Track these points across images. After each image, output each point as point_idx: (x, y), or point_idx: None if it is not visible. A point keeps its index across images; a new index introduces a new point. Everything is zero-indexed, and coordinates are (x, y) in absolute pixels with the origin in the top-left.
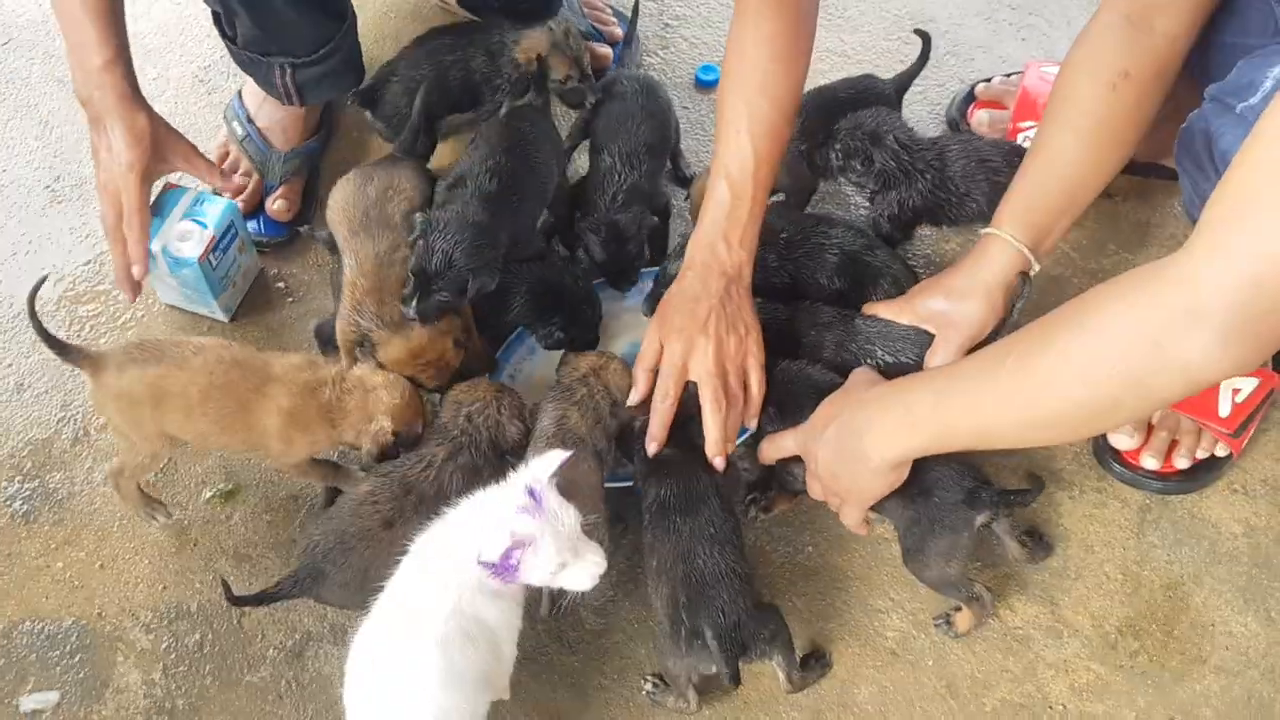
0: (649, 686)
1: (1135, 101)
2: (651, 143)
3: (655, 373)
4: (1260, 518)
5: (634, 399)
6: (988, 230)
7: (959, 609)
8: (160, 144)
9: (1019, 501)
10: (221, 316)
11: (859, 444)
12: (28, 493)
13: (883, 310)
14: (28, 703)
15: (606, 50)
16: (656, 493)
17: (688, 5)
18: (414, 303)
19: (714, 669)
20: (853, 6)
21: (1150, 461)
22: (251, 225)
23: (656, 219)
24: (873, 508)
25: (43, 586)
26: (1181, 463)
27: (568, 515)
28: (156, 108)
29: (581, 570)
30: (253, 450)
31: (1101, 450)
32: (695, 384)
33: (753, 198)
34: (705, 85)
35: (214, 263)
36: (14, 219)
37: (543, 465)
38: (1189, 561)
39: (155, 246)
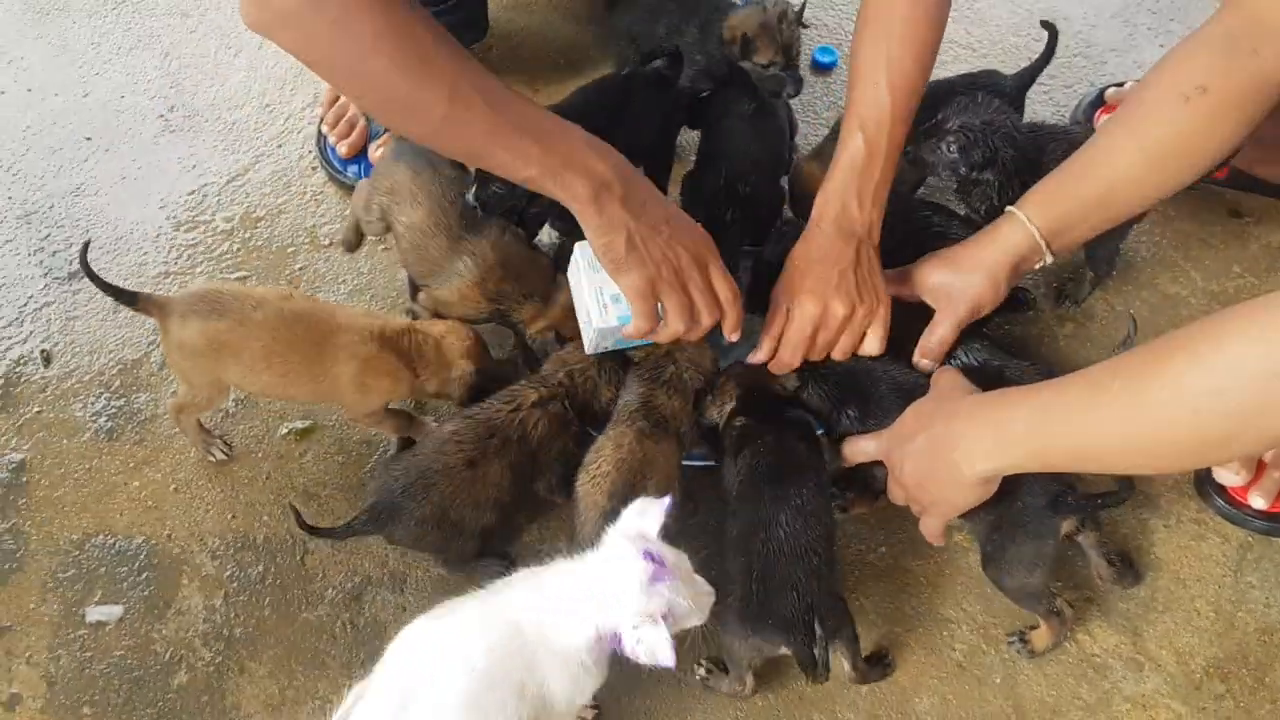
0: (702, 671)
1: (1208, 120)
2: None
3: (778, 337)
4: None
5: (758, 359)
6: (1010, 208)
7: (1035, 627)
8: None
9: (1107, 504)
10: None
11: (950, 456)
12: (114, 410)
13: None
14: (94, 614)
15: None
16: (749, 461)
17: None
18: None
19: (779, 651)
20: (983, 0)
21: (1259, 501)
22: (353, 170)
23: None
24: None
25: (118, 503)
26: None
27: (683, 563)
28: (269, 64)
29: (699, 608)
30: (321, 400)
31: (1204, 482)
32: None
33: (886, 154)
34: (822, 67)
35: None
36: (126, 144)
37: (648, 521)
38: None
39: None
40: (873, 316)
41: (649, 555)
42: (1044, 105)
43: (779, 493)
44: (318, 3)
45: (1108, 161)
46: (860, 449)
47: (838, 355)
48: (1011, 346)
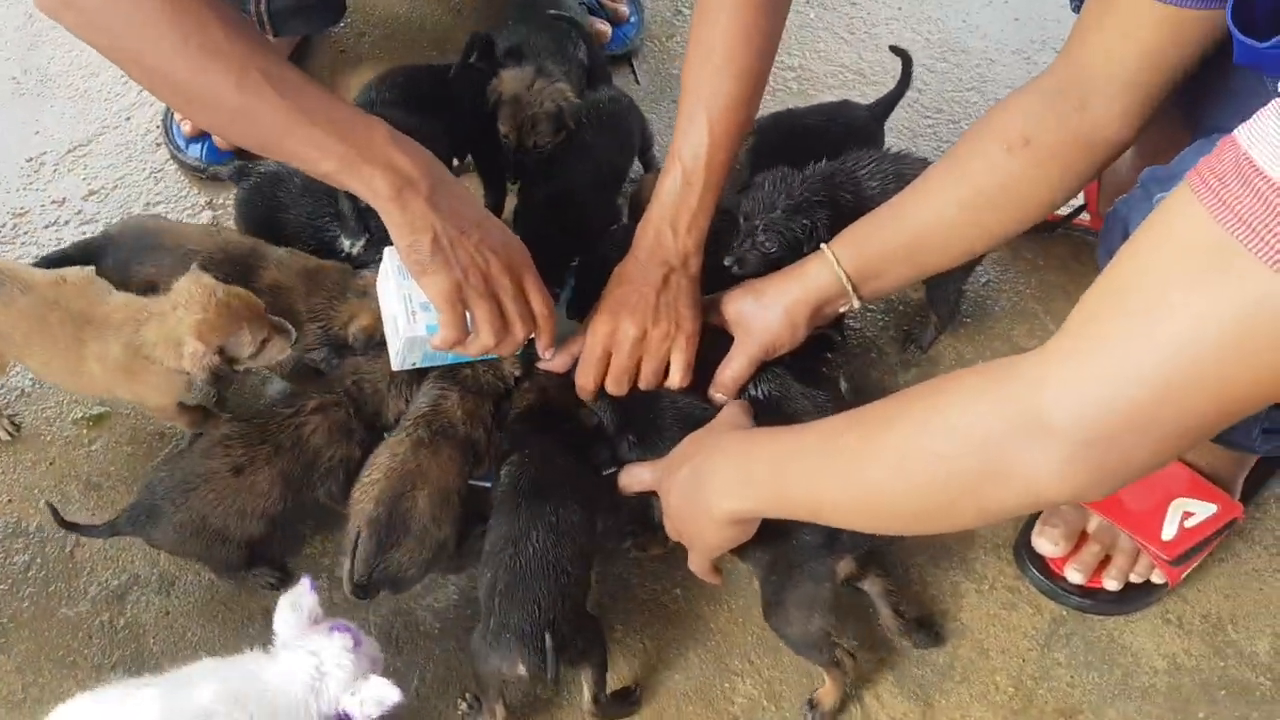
0: (464, 706)
1: (1029, 172)
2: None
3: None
4: (1190, 657)
5: (551, 367)
6: (823, 245)
7: (822, 685)
8: None
9: (880, 543)
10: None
11: (702, 492)
12: None
13: None
14: None
15: (606, 28)
16: (510, 473)
17: None
18: None
19: (519, 670)
20: (882, 25)
21: (1075, 575)
22: (194, 150)
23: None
24: (732, 551)
25: None
26: (1111, 584)
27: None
28: None
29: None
30: (96, 395)
31: (1021, 549)
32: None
33: (705, 184)
34: None
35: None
36: None
37: (306, 605)
38: (1094, 689)
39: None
40: (669, 341)
41: (340, 628)
42: (928, 140)
43: (536, 508)
44: None
45: (923, 208)
46: (636, 477)
47: (641, 384)
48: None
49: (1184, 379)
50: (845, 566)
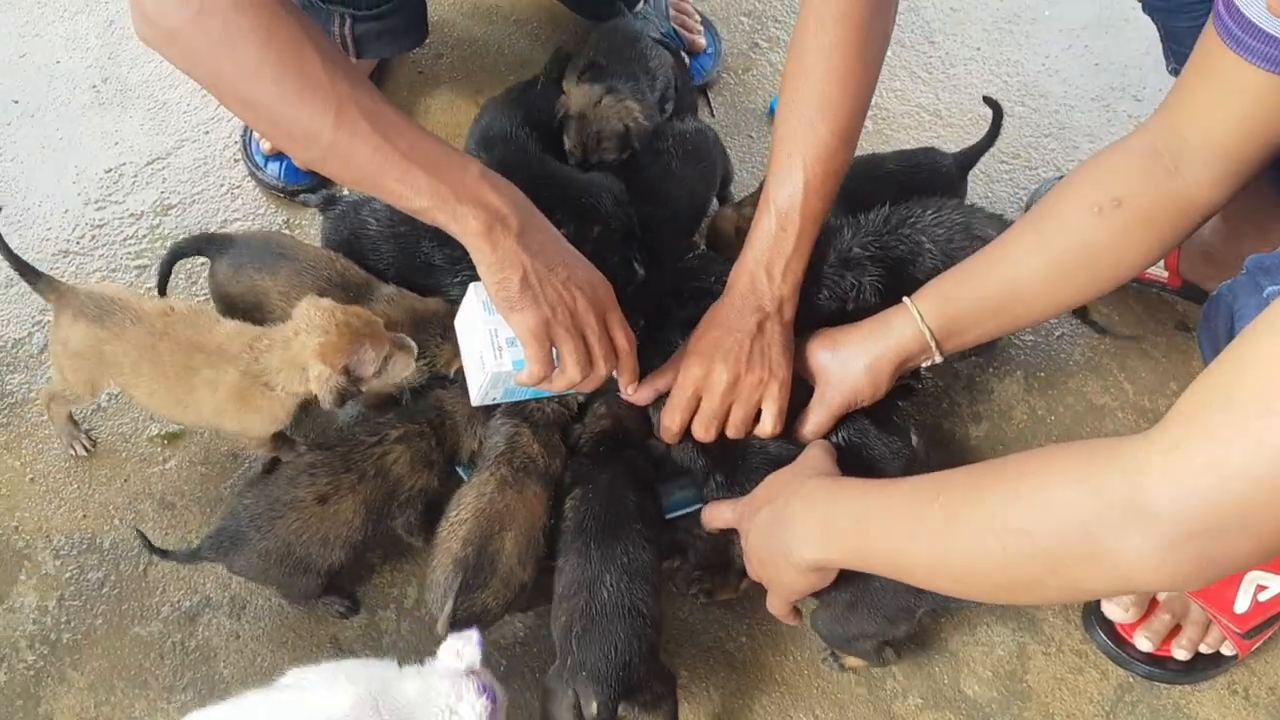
0: None
1: (1118, 234)
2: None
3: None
4: None
5: (633, 399)
6: (905, 300)
7: None
8: None
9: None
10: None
11: (783, 537)
12: None
13: None
14: None
15: (683, 59)
16: (576, 513)
17: (784, 29)
18: None
19: (593, 711)
20: (960, 65)
21: (1144, 643)
22: (273, 168)
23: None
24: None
25: None
26: (1180, 654)
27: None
28: None
29: None
30: (200, 425)
31: (1091, 614)
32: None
33: (800, 231)
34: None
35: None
36: (53, 112)
37: (467, 655)
38: None
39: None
40: (763, 389)
41: (486, 690)
42: (1004, 186)
43: (607, 550)
44: (201, 22)
45: (1010, 267)
46: (719, 514)
47: (730, 432)
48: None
49: None
50: (926, 606)
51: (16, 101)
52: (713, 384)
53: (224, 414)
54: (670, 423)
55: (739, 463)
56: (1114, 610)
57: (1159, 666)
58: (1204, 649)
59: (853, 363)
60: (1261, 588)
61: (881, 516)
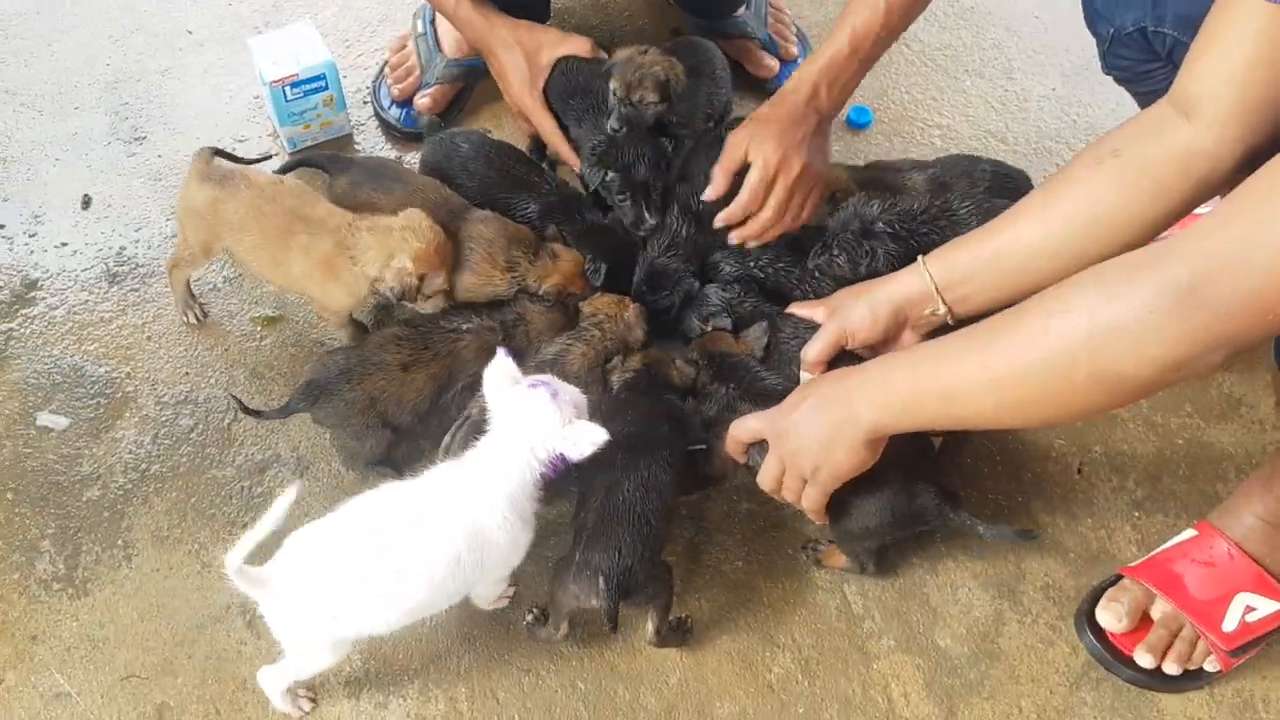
0: (529, 618)
1: (1118, 182)
2: None
3: (733, 175)
4: None
5: (710, 195)
6: (919, 257)
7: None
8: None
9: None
10: (285, 146)
11: (838, 413)
12: (125, 258)
13: (803, 310)
14: (44, 419)
15: (774, 63)
16: (614, 432)
17: None
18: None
19: (593, 603)
20: (1034, 101)
21: (1145, 659)
22: (395, 111)
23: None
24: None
25: (98, 335)
26: (1171, 668)
27: (554, 380)
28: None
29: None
30: (290, 288)
31: (1082, 617)
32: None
33: (866, 55)
34: (856, 126)
35: (287, 95)
36: (220, 44)
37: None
38: None
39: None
40: (817, 182)
41: (538, 383)
42: None
43: (630, 462)
44: None
45: (1010, 223)
46: (747, 427)
47: (789, 216)
48: None
49: None
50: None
51: (190, 32)
52: (787, 169)
53: (310, 279)
54: (749, 203)
55: (752, 387)
56: (1107, 618)
57: (1144, 673)
58: (1190, 665)
59: (859, 300)
60: (1250, 609)
61: (932, 357)
